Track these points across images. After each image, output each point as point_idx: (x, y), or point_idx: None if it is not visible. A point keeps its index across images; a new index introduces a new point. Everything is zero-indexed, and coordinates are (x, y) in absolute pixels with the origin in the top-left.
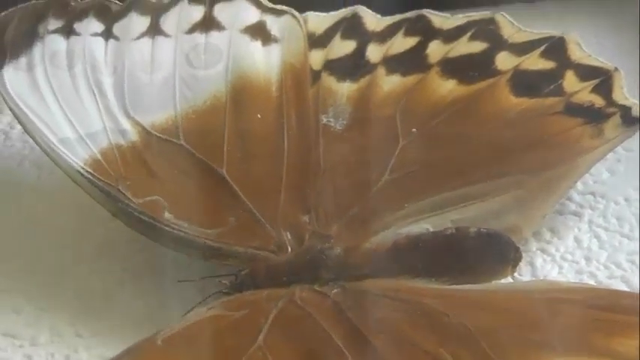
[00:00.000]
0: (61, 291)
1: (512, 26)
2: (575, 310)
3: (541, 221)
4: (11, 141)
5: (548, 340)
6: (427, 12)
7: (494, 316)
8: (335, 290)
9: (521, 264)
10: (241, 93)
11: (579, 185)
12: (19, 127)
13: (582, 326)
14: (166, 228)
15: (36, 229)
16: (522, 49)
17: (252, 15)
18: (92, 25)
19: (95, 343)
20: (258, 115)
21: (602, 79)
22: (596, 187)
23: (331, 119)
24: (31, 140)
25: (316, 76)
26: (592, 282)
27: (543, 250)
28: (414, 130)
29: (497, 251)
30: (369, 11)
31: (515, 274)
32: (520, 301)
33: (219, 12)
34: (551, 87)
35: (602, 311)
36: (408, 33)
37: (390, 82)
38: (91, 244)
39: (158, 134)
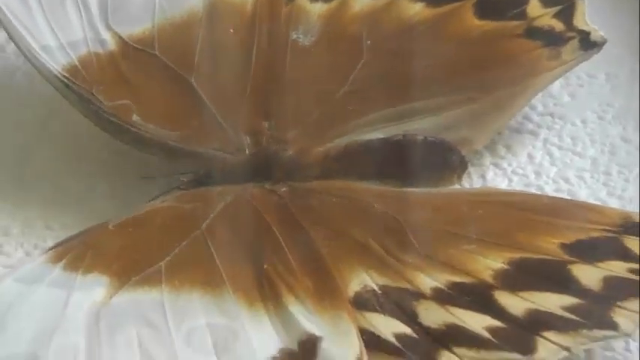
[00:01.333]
0: (38, 189)
1: None
2: (503, 210)
3: (493, 136)
4: (6, 54)
5: (470, 233)
6: None
7: (425, 213)
8: (284, 189)
9: (474, 177)
10: (217, 9)
11: (539, 106)
12: None
13: (508, 224)
14: (133, 129)
15: (24, 133)
16: None
17: None
18: None
19: (64, 235)
20: (231, 30)
21: (564, 6)
22: (556, 109)
23: (300, 35)
24: None
25: None
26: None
27: (496, 165)
28: (368, 42)
29: (442, 158)
30: None
31: (466, 185)
32: (453, 202)
33: None
34: (515, 11)
35: (531, 213)
36: None
37: (360, 3)
38: (74, 147)
39: (135, 44)
